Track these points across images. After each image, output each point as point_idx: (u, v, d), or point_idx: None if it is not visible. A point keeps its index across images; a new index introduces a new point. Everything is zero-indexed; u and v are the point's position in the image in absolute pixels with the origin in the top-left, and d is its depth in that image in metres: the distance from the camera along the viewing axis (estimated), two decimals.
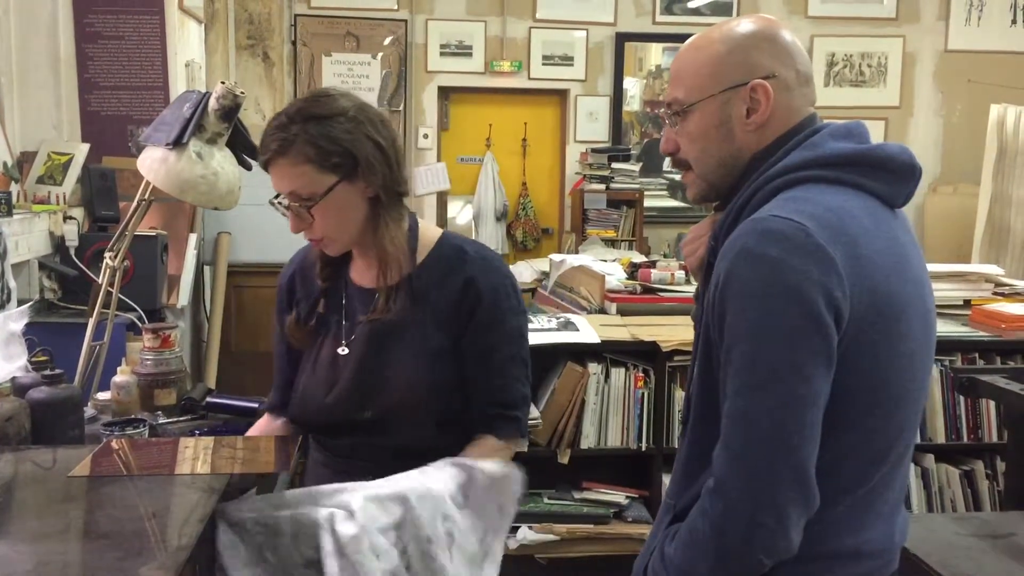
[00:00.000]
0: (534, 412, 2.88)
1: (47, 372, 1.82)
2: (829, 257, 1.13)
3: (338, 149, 1.58)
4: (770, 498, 1.12)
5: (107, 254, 2.30)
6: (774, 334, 1.12)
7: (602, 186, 6.55)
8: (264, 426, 1.85)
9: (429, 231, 1.73)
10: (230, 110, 2.04)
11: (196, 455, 1.60)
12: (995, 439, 2.99)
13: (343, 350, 1.69)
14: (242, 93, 2.04)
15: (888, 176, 1.25)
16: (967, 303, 3.29)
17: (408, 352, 1.64)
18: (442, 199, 6.76)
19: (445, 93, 7.00)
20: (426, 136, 6.92)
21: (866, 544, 1.25)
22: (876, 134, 6.98)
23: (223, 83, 2.03)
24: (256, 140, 2.35)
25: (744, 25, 1.30)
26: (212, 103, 2.03)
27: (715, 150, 1.30)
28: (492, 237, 7.02)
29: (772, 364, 1.13)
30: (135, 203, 2.24)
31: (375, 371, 1.66)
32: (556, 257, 4.31)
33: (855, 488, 1.22)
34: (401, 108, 6.85)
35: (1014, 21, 7.06)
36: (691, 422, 1.32)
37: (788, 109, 1.28)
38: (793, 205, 1.18)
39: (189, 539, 1.21)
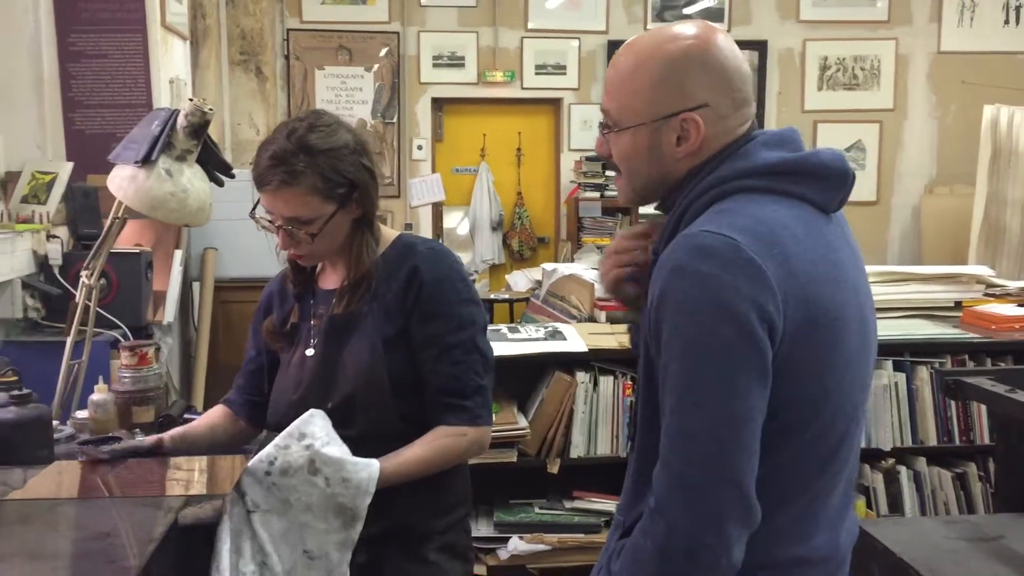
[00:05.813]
0: (522, 422, 2.86)
1: (15, 392, 1.80)
2: (761, 271, 1.12)
3: (344, 181, 1.66)
4: (710, 517, 1.11)
5: (83, 272, 2.29)
6: (708, 351, 1.12)
7: (597, 194, 6.54)
8: (207, 416, 1.94)
9: (387, 232, 1.81)
10: (199, 127, 2.03)
11: (175, 476, 1.59)
12: (987, 441, 2.96)
13: (310, 351, 1.77)
14: (211, 110, 2.03)
15: (821, 183, 1.23)
16: (958, 305, 3.27)
17: (363, 342, 1.71)
18: (437, 210, 6.76)
19: (439, 104, 7.01)
20: (420, 147, 6.92)
21: (813, 551, 1.24)
22: (871, 137, 7.01)
23: (191, 100, 2.02)
24: (229, 158, 2.34)
25: (681, 42, 1.26)
26: (181, 120, 2.02)
27: (644, 170, 1.29)
28: (488, 247, 7.01)
29: (707, 381, 1.12)
30: (109, 221, 2.23)
31: (335, 363, 1.73)
32: (548, 266, 4.29)
33: (798, 497, 1.21)
34: (395, 120, 6.86)
35: (1007, 21, 7.04)
36: (637, 438, 1.31)
37: (722, 134, 1.26)
38: (725, 218, 1.17)
39: (140, 560, 1.19)
